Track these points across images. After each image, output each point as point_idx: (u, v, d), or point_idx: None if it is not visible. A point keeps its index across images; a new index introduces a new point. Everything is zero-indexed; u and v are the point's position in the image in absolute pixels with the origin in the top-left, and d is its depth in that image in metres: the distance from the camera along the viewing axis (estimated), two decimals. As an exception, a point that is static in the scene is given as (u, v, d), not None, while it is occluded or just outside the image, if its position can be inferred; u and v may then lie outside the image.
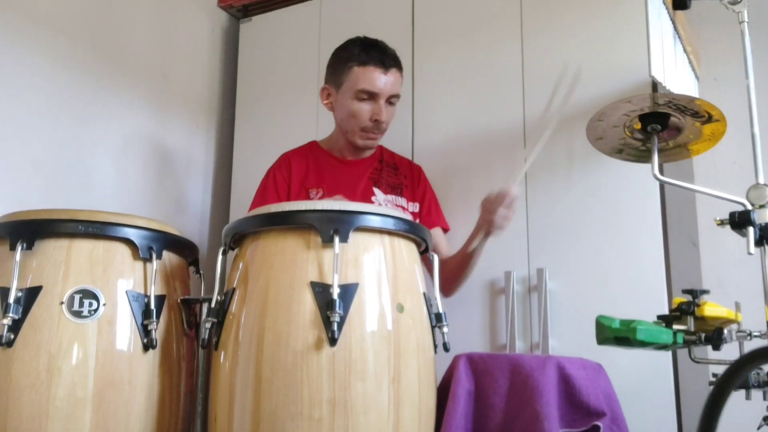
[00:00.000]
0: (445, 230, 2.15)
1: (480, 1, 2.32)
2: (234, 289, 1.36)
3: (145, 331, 1.36)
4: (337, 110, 2.06)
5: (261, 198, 2.04)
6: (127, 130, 2.41)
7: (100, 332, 1.32)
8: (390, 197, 2.08)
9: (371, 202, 2.03)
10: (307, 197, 2.02)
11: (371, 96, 1.97)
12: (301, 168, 2.08)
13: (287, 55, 2.65)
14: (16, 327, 1.28)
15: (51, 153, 2.14)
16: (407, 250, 1.40)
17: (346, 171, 2.09)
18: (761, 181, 1.40)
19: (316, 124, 2.48)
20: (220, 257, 1.39)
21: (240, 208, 2.54)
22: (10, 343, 1.27)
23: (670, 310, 1.33)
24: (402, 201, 2.10)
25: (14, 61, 2.06)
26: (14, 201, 1.99)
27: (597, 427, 1.37)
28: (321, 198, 2.02)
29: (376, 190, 2.07)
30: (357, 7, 2.54)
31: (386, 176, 2.12)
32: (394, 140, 2.19)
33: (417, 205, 2.12)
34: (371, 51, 1.99)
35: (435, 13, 2.39)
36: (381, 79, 1.96)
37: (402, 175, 2.15)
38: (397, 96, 2.02)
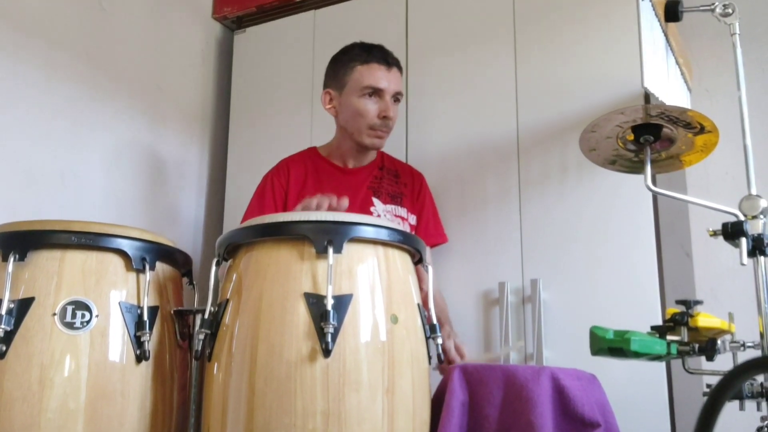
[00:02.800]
0: (442, 243, 2.15)
1: (473, 12, 2.33)
2: (227, 300, 1.35)
3: (138, 343, 1.36)
4: (341, 112, 2.04)
5: (258, 204, 2.03)
6: (121, 141, 2.41)
7: (92, 344, 1.31)
8: (390, 207, 2.07)
9: (370, 213, 2.02)
10: None
11: (377, 92, 1.98)
12: (300, 176, 2.06)
13: (281, 67, 2.66)
14: (8, 338, 1.27)
15: (44, 164, 2.14)
16: (401, 260, 1.40)
17: (345, 180, 2.07)
18: (753, 191, 1.41)
19: (310, 135, 2.48)
20: (213, 268, 1.39)
21: (234, 219, 2.54)
22: (2, 355, 1.26)
23: (664, 321, 1.33)
24: (402, 211, 2.09)
25: (8, 72, 2.06)
26: (7, 212, 1.98)
27: (591, 438, 1.37)
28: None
29: (375, 200, 2.06)
30: (351, 19, 2.55)
31: (386, 185, 2.10)
32: (388, 151, 2.19)
33: (415, 217, 2.11)
34: (373, 50, 2.01)
35: (429, 25, 2.40)
36: (385, 76, 1.98)
37: (402, 184, 2.13)
38: (400, 93, 2.03)
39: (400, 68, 2.05)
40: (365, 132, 2.01)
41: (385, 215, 2.04)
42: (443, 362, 1.42)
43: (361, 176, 2.09)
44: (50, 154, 2.16)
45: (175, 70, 2.65)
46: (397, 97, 2.02)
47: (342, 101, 2.02)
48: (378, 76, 1.98)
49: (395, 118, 2.03)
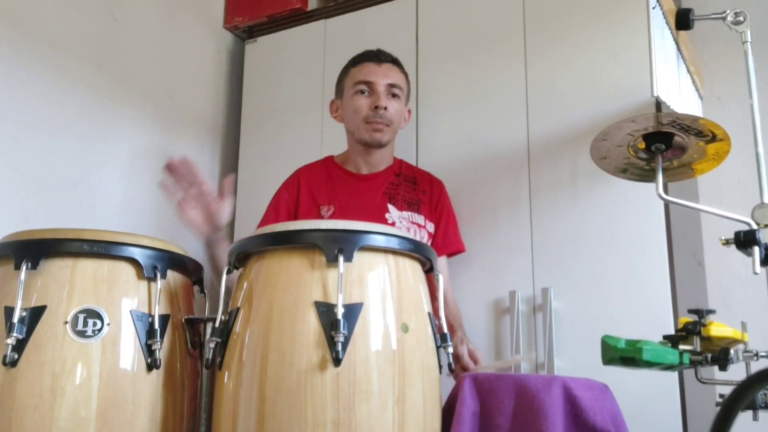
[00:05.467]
0: (460, 251, 2.14)
1: (483, 21, 2.33)
2: (238, 309, 1.36)
3: (149, 351, 1.36)
4: (344, 117, 2.10)
5: (273, 214, 2.05)
6: (133, 149, 2.42)
7: (104, 352, 1.31)
8: (406, 214, 2.06)
9: (384, 219, 2.02)
10: (318, 214, 2.02)
11: (368, 86, 2.03)
12: (313, 184, 2.08)
13: (292, 76, 2.67)
14: (20, 347, 1.27)
15: (57, 172, 2.15)
16: (412, 269, 1.39)
17: (360, 186, 2.09)
18: (766, 200, 1.40)
19: (321, 144, 2.49)
20: (224, 276, 1.39)
21: (244, 227, 2.54)
22: (14, 363, 1.26)
23: (676, 330, 1.32)
24: (419, 218, 2.08)
25: (21, 82, 2.08)
26: (20, 220, 1.99)
27: (603, 448, 1.36)
28: (332, 215, 2.01)
29: (390, 207, 2.06)
30: (361, 28, 2.56)
31: (403, 191, 2.10)
32: (399, 158, 2.19)
33: (434, 225, 2.11)
34: (364, 52, 2.09)
35: (439, 34, 2.41)
36: (375, 70, 2.04)
37: (421, 191, 2.13)
38: (398, 87, 2.05)
39: (395, 63, 2.08)
40: (362, 127, 2.03)
41: (401, 222, 2.04)
42: (454, 370, 1.41)
43: (376, 182, 2.10)
44: (63, 162, 2.17)
45: (186, 80, 2.67)
46: (392, 91, 2.04)
47: (343, 106, 2.09)
48: (367, 71, 2.04)
49: (393, 112, 2.04)
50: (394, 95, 2.04)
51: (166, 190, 1.79)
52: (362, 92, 2.03)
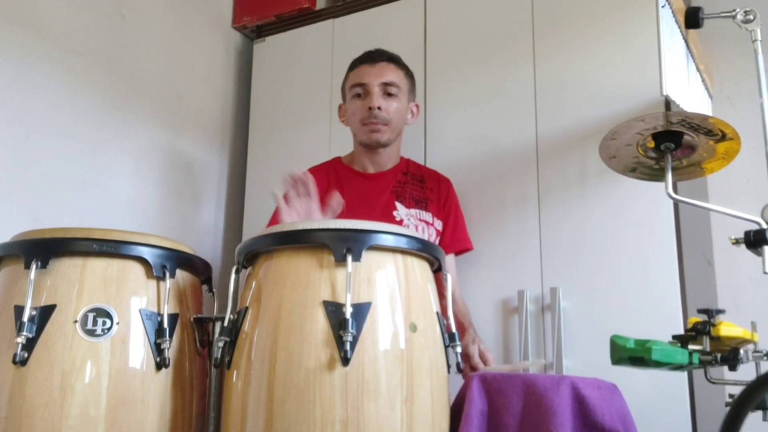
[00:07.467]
0: (468, 249, 2.14)
1: (492, 20, 2.33)
2: (247, 308, 1.36)
3: (158, 350, 1.36)
4: (348, 121, 2.12)
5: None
6: (142, 149, 2.43)
7: (113, 351, 1.32)
8: (413, 211, 2.07)
9: (392, 217, 2.03)
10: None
11: (363, 88, 2.05)
12: (323, 184, 2.08)
13: (300, 76, 2.67)
14: (30, 345, 1.28)
15: (66, 172, 2.16)
16: (420, 268, 1.39)
17: (368, 185, 2.10)
18: (776, 199, 1.39)
19: (329, 144, 2.49)
20: (233, 276, 1.39)
21: (253, 226, 2.55)
22: (24, 362, 1.27)
23: (686, 330, 1.32)
24: (427, 216, 2.09)
25: (31, 82, 2.09)
26: (30, 220, 2.00)
27: (612, 449, 1.36)
28: (341, 213, 2.02)
29: (398, 205, 2.07)
30: (369, 28, 2.56)
31: (411, 189, 2.11)
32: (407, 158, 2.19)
33: (442, 223, 2.11)
34: (361, 55, 2.10)
35: (447, 33, 2.41)
36: (369, 71, 2.05)
37: (428, 189, 2.14)
38: (393, 85, 2.05)
39: (391, 61, 2.08)
40: (360, 129, 2.06)
41: (408, 219, 2.04)
42: (462, 370, 1.41)
43: (384, 181, 2.10)
44: (72, 162, 2.18)
45: (195, 79, 2.67)
46: (388, 90, 2.04)
47: (347, 110, 2.11)
48: (361, 73, 2.06)
49: (389, 110, 2.04)
50: (390, 94, 2.04)
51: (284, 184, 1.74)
52: (358, 95, 2.05)
